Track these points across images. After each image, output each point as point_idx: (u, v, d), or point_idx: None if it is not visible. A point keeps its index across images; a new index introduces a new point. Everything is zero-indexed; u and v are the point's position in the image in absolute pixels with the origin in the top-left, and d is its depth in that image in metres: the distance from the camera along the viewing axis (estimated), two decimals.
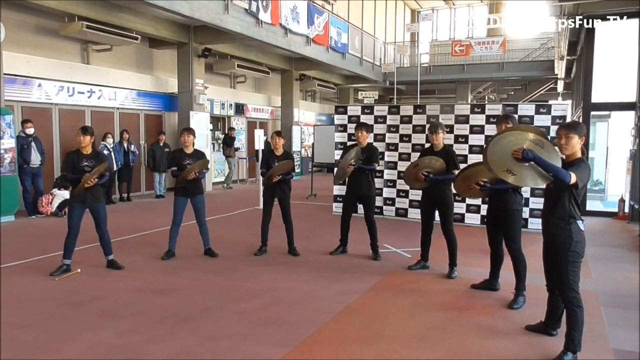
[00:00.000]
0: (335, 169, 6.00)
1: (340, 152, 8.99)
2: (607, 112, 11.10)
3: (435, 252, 5.44)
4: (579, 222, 3.24)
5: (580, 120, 9.99)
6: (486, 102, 20.82)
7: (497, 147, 3.39)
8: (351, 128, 8.94)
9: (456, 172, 5.04)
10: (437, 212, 5.18)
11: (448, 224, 5.10)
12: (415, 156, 8.32)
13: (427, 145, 5.86)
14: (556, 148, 3.34)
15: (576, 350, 3.23)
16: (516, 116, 6.44)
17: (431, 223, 5.24)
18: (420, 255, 5.41)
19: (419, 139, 8.35)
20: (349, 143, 8.89)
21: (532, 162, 3.17)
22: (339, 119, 9.11)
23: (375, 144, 8.50)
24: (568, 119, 8.28)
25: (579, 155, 3.25)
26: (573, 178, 3.08)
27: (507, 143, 3.35)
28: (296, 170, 6.54)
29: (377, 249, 5.83)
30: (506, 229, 4.34)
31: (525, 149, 3.19)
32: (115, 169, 9.81)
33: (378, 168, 6.20)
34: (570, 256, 3.21)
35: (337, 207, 9.08)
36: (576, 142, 3.21)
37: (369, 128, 5.95)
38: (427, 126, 5.39)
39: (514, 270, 4.31)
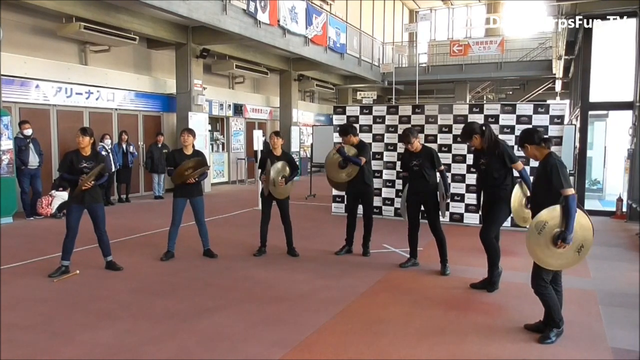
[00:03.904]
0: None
1: None
2: (604, 112, 11.12)
3: (434, 251, 5.44)
4: None
5: (579, 120, 10.02)
6: (484, 101, 20.84)
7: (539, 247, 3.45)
8: None
9: (442, 167, 5.21)
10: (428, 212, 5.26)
11: (435, 222, 5.16)
12: None
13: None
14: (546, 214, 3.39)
15: (560, 325, 3.40)
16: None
17: (417, 220, 5.32)
18: (410, 253, 5.47)
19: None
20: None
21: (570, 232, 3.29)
22: (338, 119, 9.12)
23: (374, 144, 8.58)
24: (566, 119, 8.30)
25: (545, 152, 3.43)
26: (570, 191, 3.25)
27: (543, 244, 3.40)
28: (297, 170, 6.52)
29: (367, 244, 5.86)
30: (489, 217, 4.56)
31: (565, 238, 3.27)
32: (113, 170, 9.80)
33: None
34: None
35: (336, 207, 9.09)
36: (532, 151, 3.46)
37: (353, 130, 5.85)
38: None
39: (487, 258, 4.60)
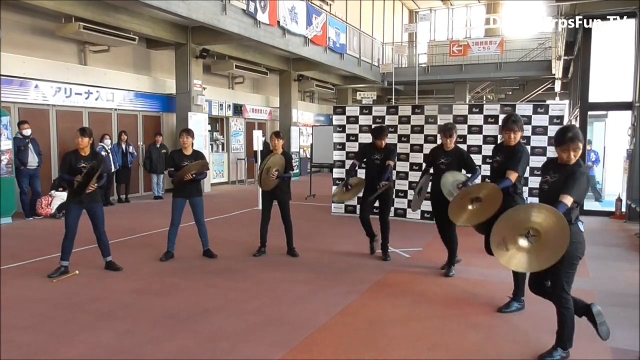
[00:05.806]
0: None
1: (339, 152, 9.02)
2: (604, 112, 11.12)
3: (434, 251, 5.45)
4: (579, 224, 3.25)
5: (578, 120, 10.02)
6: (484, 102, 20.86)
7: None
8: (350, 129, 8.96)
9: (476, 167, 5.03)
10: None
11: (451, 224, 5.09)
12: (413, 156, 8.36)
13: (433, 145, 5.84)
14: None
15: (566, 347, 3.25)
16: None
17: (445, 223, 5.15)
18: (449, 257, 5.26)
19: (418, 139, 8.36)
20: (347, 144, 8.93)
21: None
22: (338, 120, 9.12)
23: None
24: (565, 119, 8.30)
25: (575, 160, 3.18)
26: (569, 200, 3.01)
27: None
28: (294, 171, 6.52)
29: (387, 249, 5.81)
30: None
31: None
32: (113, 170, 9.79)
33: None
34: (568, 257, 3.14)
35: (336, 208, 9.09)
36: (576, 152, 3.14)
37: (386, 130, 5.86)
38: (440, 127, 5.33)
39: (513, 276, 4.20)
